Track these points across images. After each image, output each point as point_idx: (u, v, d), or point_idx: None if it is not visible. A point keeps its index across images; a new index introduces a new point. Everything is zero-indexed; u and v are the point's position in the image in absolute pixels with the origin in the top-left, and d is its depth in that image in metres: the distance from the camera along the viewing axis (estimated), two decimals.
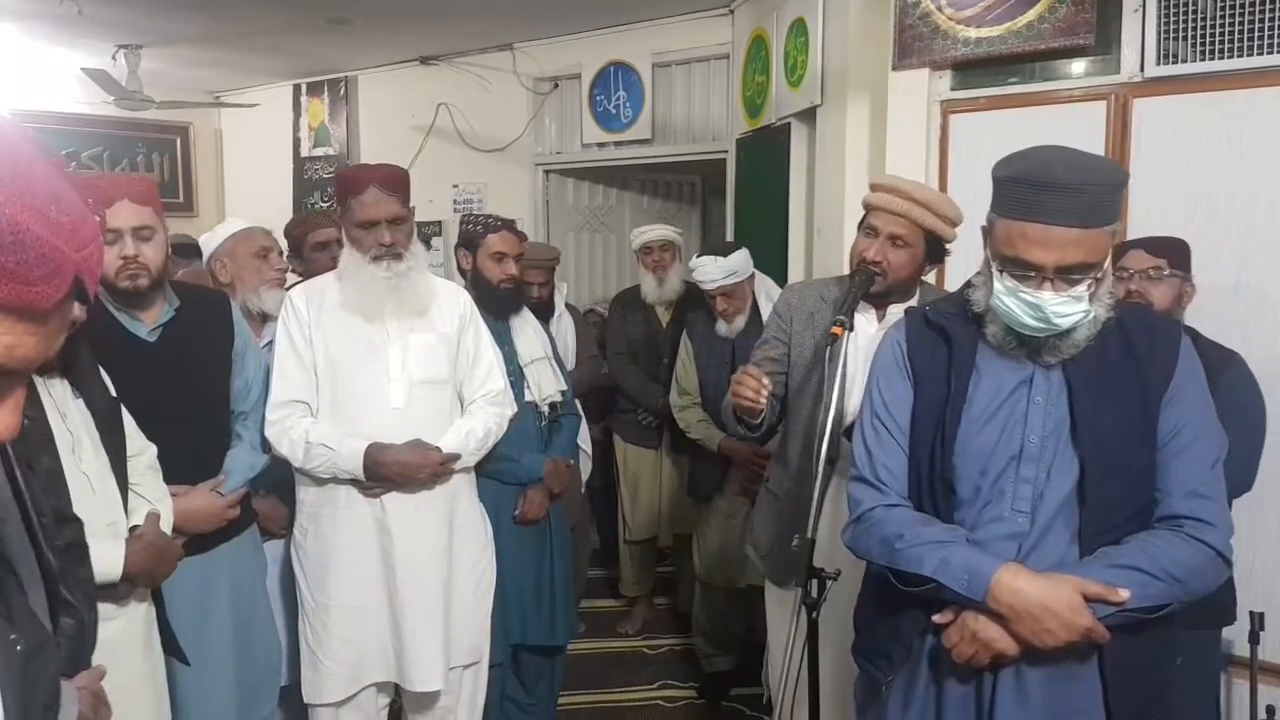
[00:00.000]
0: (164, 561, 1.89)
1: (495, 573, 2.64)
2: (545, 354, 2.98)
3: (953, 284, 2.47)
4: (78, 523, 1.21)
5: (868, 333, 2.23)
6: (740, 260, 3.40)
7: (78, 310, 1.64)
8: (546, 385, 2.93)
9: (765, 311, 3.32)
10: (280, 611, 2.61)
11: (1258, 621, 2.46)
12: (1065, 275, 1.48)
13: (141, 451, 1.98)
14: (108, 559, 1.75)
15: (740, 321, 3.45)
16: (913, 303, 2.27)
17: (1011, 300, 1.52)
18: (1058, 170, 1.46)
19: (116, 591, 1.80)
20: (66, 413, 1.74)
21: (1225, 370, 2.30)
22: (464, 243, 2.91)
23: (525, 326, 2.97)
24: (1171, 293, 2.36)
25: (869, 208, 2.25)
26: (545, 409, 2.94)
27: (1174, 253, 2.40)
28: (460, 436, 2.45)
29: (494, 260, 2.86)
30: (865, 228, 2.24)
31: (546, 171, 5.93)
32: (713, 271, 3.37)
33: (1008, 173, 1.53)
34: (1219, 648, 2.49)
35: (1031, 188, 1.47)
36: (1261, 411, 2.34)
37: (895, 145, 3.22)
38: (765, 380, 2.10)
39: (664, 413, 3.96)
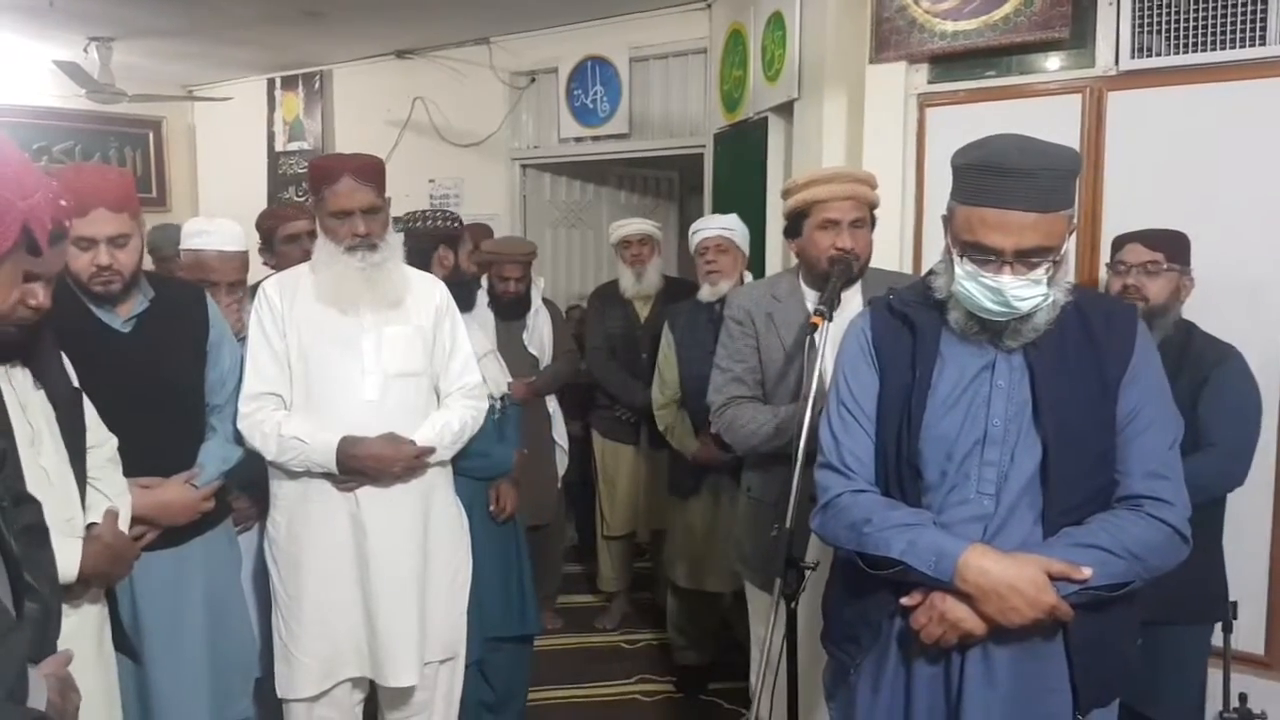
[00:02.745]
0: (120, 563, 1.87)
1: (472, 568, 2.63)
2: (492, 347, 2.99)
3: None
4: (35, 504, 1.19)
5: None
6: (738, 222, 3.56)
7: (42, 297, 1.62)
8: (497, 379, 2.92)
9: None
10: (254, 606, 2.58)
11: (1231, 610, 2.48)
12: (1024, 259, 1.52)
13: (102, 444, 1.95)
14: (64, 559, 1.71)
15: (724, 286, 3.45)
16: (858, 285, 2.31)
17: (972, 284, 1.55)
18: (1014, 156, 1.50)
19: (71, 591, 1.77)
20: (27, 404, 1.71)
21: (1222, 364, 2.31)
22: (446, 239, 2.87)
23: (471, 322, 2.93)
24: (1169, 286, 2.35)
25: (815, 203, 2.27)
26: (497, 403, 2.91)
27: (1172, 246, 2.38)
28: (436, 430, 2.44)
29: (470, 257, 2.86)
30: (821, 223, 2.26)
31: (524, 166, 5.92)
32: (711, 221, 3.58)
33: (966, 160, 1.57)
34: (1209, 643, 2.48)
35: (989, 174, 1.51)
36: (1257, 405, 2.33)
37: (872, 139, 3.23)
38: None
39: (643, 409, 3.96)
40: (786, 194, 2.35)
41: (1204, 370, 2.28)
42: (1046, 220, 1.50)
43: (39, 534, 1.21)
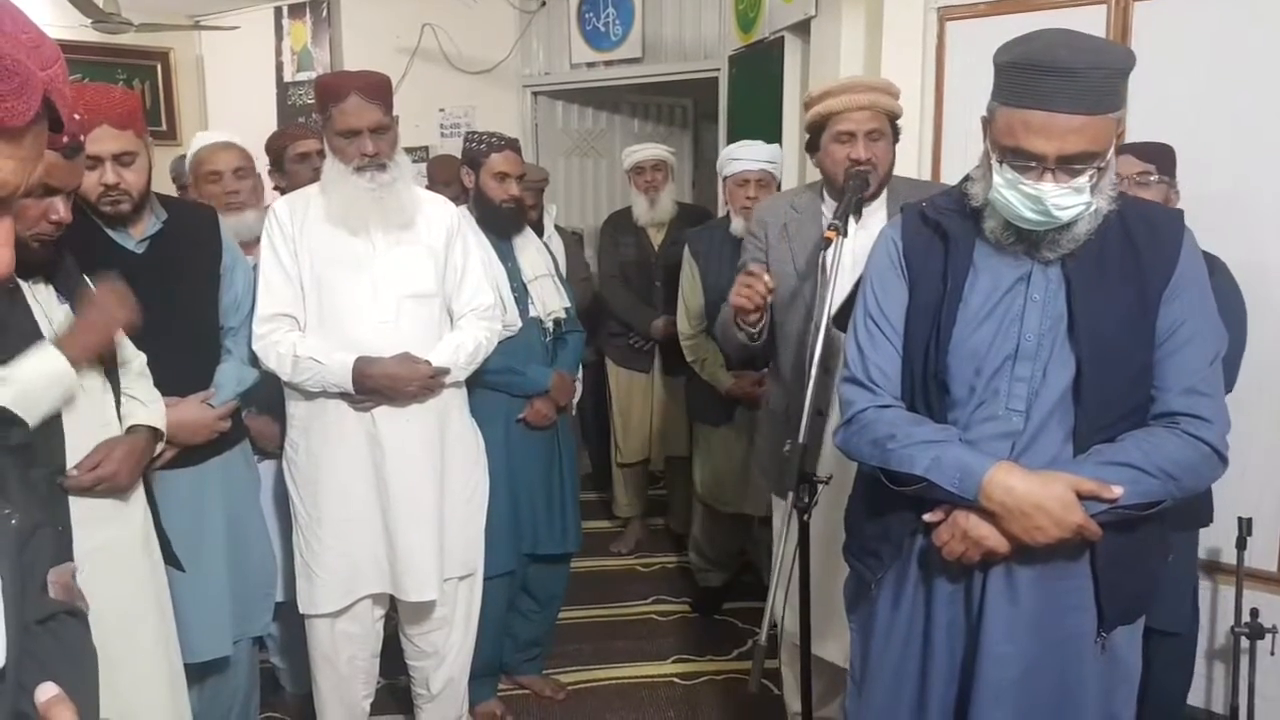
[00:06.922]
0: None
1: (488, 487, 2.65)
2: (548, 270, 2.97)
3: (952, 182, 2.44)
4: (22, 424, 1.19)
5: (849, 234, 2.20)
6: (780, 153, 3.44)
7: (63, 211, 1.62)
8: (551, 301, 2.91)
9: None
10: (275, 530, 2.61)
11: (1245, 527, 2.48)
12: (1067, 165, 1.43)
13: (131, 360, 1.97)
14: None
15: None
16: (883, 198, 2.27)
17: (1011, 193, 1.47)
18: (1062, 53, 1.40)
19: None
20: (54, 318, 1.74)
21: (1211, 276, 2.30)
22: (467, 160, 2.87)
23: (528, 244, 2.95)
24: (1159, 198, 2.36)
25: (830, 115, 2.21)
26: (550, 325, 2.92)
27: (1162, 158, 2.40)
28: (450, 350, 2.44)
29: (496, 180, 2.81)
30: (836, 136, 2.21)
31: (535, 94, 5.82)
32: (756, 152, 3.40)
33: (1009, 57, 1.46)
34: (1196, 549, 2.53)
35: (1034, 72, 1.41)
36: (1243, 314, 2.34)
37: (890, 55, 3.14)
38: (766, 277, 2.11)
39: (655, 336, 3.95)
40: (806, 107, 2.30)
41: None
42: (1094, 123, 1.41)
43: (27, 453, 1.21)
